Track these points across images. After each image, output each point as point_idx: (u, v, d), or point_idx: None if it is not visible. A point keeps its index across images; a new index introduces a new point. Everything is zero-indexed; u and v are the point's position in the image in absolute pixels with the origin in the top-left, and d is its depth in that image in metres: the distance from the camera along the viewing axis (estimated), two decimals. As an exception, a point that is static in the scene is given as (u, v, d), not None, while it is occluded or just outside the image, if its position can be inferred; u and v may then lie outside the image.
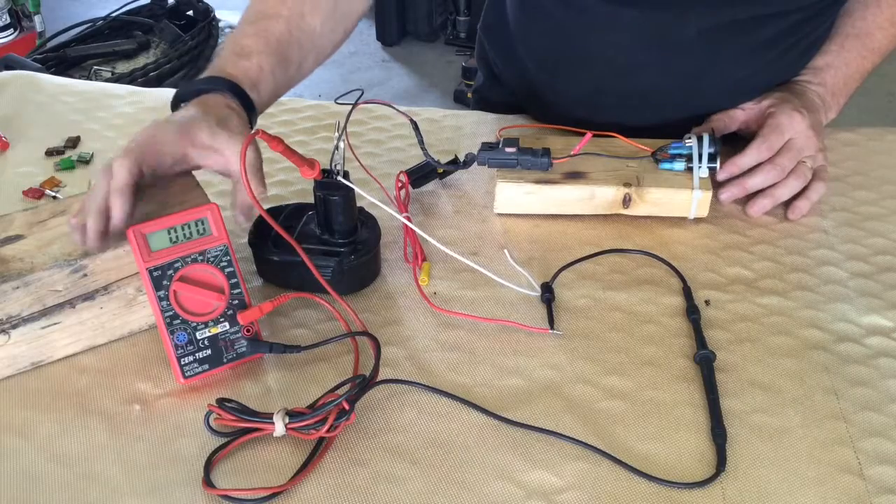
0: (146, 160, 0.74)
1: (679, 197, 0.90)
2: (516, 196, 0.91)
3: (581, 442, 0.69)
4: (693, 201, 0.90)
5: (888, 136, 1.08)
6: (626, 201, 0.90)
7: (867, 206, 0.96)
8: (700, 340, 0.77)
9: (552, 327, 0.79)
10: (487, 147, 0.92)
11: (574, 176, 0.91)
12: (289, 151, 0.75)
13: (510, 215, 0.93)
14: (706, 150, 0.90)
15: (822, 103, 0.98)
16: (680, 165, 0.91)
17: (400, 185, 0.93)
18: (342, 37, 0.96)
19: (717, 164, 0.90)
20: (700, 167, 0.90)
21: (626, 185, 0.90)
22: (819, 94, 0.98)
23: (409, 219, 0.87)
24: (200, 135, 0.76)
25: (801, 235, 0.92)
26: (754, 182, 0.93)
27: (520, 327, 0.79)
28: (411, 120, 0.88)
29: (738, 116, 0.98)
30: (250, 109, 0.83)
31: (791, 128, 0.92)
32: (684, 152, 0.91)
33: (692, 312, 0.80)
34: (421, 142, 0.88)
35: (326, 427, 0.66)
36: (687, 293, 0.83)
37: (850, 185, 0.99)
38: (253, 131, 0.71)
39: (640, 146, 0.93)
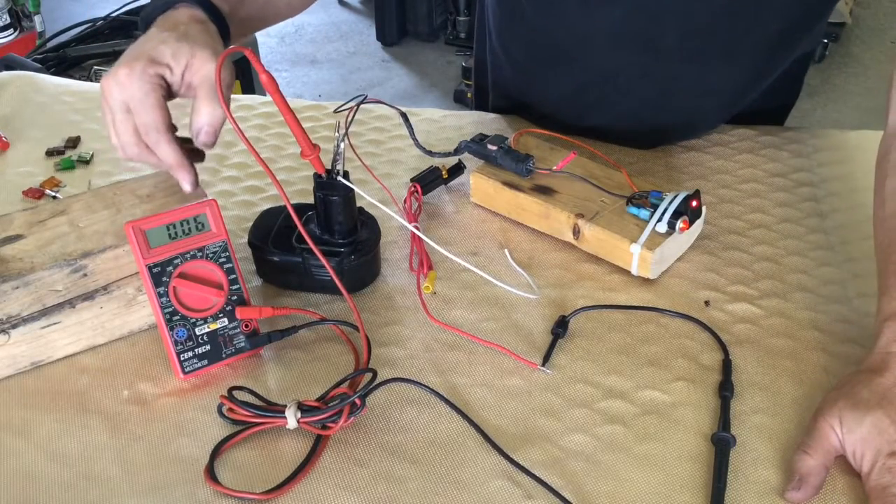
0: None
1: (620, 246, 0.83)
2: (487, 189, 0.92)
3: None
4: (634, 255, 0.82)
5: (888, 137, 1.08)
6: (576, 232, 0.86)
7: (867, 207, 0.96)
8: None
9: (544, 363, 0.76)
10: (479, 138, 0.94)
11: (542, 190, 0.89)
12: (297, 125, 0.72)
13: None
14: (675, 205, 0.83)
15: None
16: (645, 213, 0.84)
17: (412, 193, 0.93)
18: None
19: (680, 223, 0.82)
20: (661, 219, 0.82)
21: (579, 215, 0.85)
22: None
23: (418, 228, 0.85)
24: (164, 56, 0.72)
25: (800, 237, 0.91)
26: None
27: (511, 356, 0.76)
28: (401, 113, 0.88)
29: (835, 443, 0.66)
30: (220, 23, 0.79)
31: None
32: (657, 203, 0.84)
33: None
34: (412, 135, 0.88)
35: (342, 421, 0.67)
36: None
37: (850, 186, 0.99)
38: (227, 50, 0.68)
39: (630, 183, 0.88)
